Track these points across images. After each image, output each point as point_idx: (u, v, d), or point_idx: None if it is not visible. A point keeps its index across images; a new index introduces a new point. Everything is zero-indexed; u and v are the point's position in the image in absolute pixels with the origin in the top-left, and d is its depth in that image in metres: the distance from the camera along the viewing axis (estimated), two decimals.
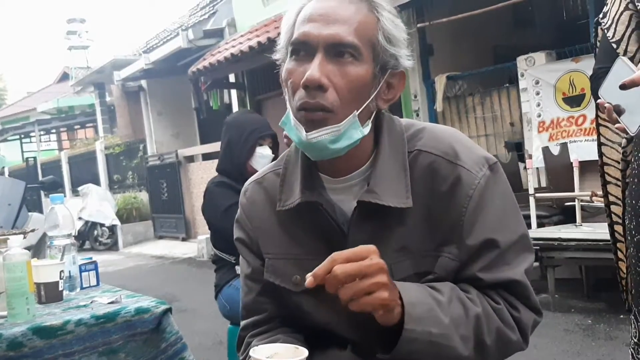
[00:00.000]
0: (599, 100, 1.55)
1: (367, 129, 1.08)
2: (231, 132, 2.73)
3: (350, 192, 1.12)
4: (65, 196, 11.96)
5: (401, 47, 1.10)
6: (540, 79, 5.76)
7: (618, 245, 2.00)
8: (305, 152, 1.12)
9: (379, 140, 1.12)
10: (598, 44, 1.95)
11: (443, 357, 1.04)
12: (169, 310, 1.74)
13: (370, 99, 1.08)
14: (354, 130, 1.05)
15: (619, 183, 1.93)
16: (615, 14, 1.80)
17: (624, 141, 1.86)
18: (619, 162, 1.94)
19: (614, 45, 1.78)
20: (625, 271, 2.00)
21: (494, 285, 1.08)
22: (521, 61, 5.91)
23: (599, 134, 2.01)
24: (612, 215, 1.99)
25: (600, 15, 1.90)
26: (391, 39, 1.08)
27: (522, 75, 5.91)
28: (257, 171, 1.35)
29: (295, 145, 1.17)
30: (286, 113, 1.09)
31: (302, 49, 1.06)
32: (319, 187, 1.14)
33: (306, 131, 1.04)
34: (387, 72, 1.10)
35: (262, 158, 2.65)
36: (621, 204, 1.93)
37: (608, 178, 1.99)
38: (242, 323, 1.26)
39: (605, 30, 1.83)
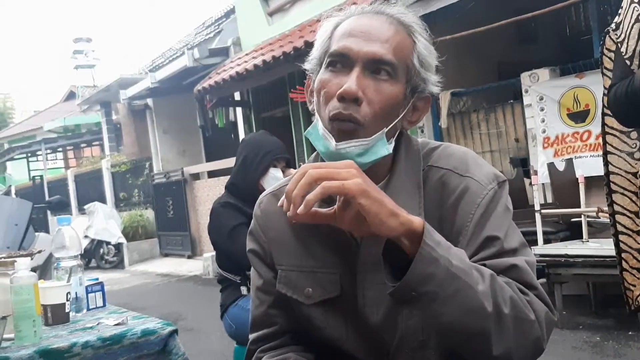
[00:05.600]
0: None
1: (391, 147, 1.10)
2: (248, 150, 2.77)
3: None
4: (71, 215, 11.93)
5: (432, 73, 1.13)
6: (545, 95, 5.77)
7: (623, 255, 1.97)
8: None
9: (396, 157, 1.14)
10: (606, 51, 1.92)
11: (462, 301, 0.94)
12: (175, 331, 1.74)
13: (399, 118, 1.10)
14: (380, 147, 1.07)
15: (626, 193, 1.90)
16: (628, 27, 1.76)
17: None
18: (627, 172, 1.91)
19: (628, 62, 1.76)
20: (630, 282, 1.98)
21: (498, 272, 1.03)
22: (525, 77, 5.92)
23: (605, 143, 1.98)
24: (617, 225, 1.96)
25: (613, 26, 1.86)
26: (424, 63, 1.12)
27: (527, 91, 5.92)
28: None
29: (314, 160, 1.19)
30: (313, 123, 1.11)
31: (340, 61, 1.08)
32: (336, 200, 1.15)
33: (336, 141, 1.06)
34: (415, 95, 1.13)
35: (274, 179, 2.66)
36: (628, 214, 1.90)
37: (614, 187, 1.95)
38: (252, 336, 1.25)
39: (619, 44, 1.80)
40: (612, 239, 2.02)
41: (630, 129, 1.91)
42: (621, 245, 1.96)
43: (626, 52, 1.77)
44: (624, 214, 1.92)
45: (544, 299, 1.04)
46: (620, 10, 1.85)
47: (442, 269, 0.93)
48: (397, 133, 1.13)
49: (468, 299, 0.94)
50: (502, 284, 0.99)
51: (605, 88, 1.89)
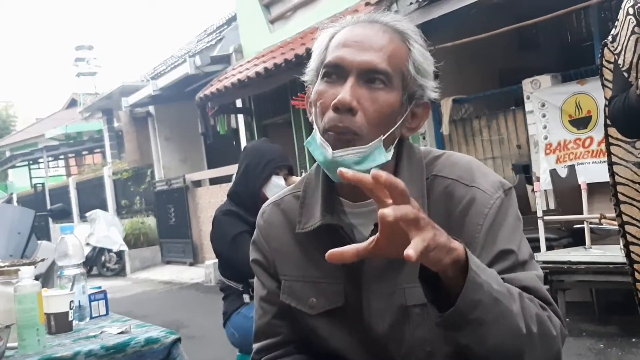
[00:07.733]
0: None
1: (390, 154, 1.10)
2: (249, 158, 2.79)
3: (370, 217, 1.12)
4: (73, 222, 11.85)
5: (429, 79, 1.13)
6: (546, 102, 5.77)
7: (635, 266, 1.95)
8: (328, 172, 1.12)
9: (399, 166, 1.13)
10: (605, 63, 1.93)
11: (504, 324, 0.94)
12: (179, 339, 1.73)
13: (396, 126, 1.10)
14: (378, 154, 1.07)
15: (634, 203, 1.90)
16: (624, 40, 1.78)
17: None
18: (634, 182, 1.91)
19: (626, 74, 1.77)
20: None
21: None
22: (527, 84, 5.93)
23: (609, 154, 1.98)
24: (627, 235, 1.95)
25: (610, 39, 1.87)
26: (420, 70, 1.12)
27: (528, 97, 5.93)
28: (268, 198, 1.35)
29: (315, 169, 1.19)
30: (312, 133, 1.11)
31: (335, 72, 1.09)
32: (339, 210, 1.15)
33: (333, 149, 1.06)
34: (413, 102, 1.12)
35: (276, 187, 2.67)
36: (637, 224, 1.90)
37: (622, 197, 1.95)
38: (256, 346, 1.25)
39: (616, 57, 1.81)
40: (622, 250, 2.01)
41: (634, 139, 1.91)
42: (632, 256, 1.94)
43: (623, 64, 1.77)
44: (633, 224, 1.91)
45: (558, 314, 1.06)
46: (616, 22, 1.85)
47: (487, 294, 0.92)
48: (397, 141, 1.13)
49: (508, 322, 0.94)
50: (528, 302, 1.00)
51: (606, 99, 1.90)
